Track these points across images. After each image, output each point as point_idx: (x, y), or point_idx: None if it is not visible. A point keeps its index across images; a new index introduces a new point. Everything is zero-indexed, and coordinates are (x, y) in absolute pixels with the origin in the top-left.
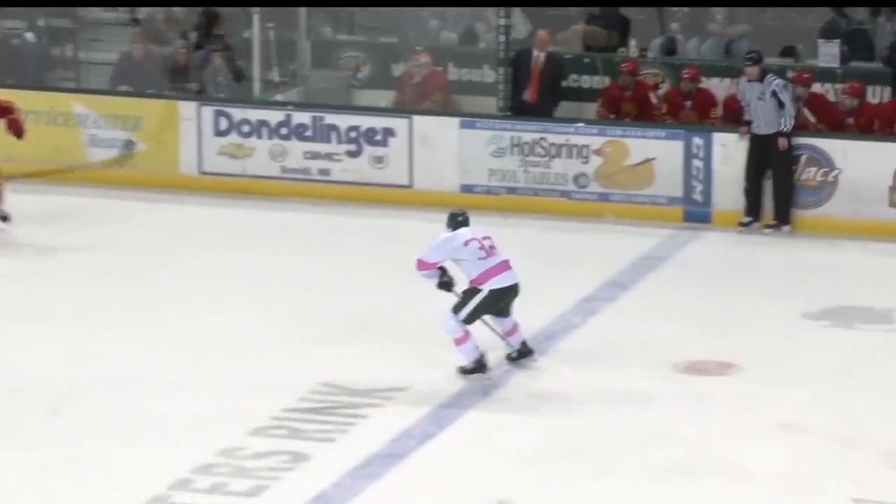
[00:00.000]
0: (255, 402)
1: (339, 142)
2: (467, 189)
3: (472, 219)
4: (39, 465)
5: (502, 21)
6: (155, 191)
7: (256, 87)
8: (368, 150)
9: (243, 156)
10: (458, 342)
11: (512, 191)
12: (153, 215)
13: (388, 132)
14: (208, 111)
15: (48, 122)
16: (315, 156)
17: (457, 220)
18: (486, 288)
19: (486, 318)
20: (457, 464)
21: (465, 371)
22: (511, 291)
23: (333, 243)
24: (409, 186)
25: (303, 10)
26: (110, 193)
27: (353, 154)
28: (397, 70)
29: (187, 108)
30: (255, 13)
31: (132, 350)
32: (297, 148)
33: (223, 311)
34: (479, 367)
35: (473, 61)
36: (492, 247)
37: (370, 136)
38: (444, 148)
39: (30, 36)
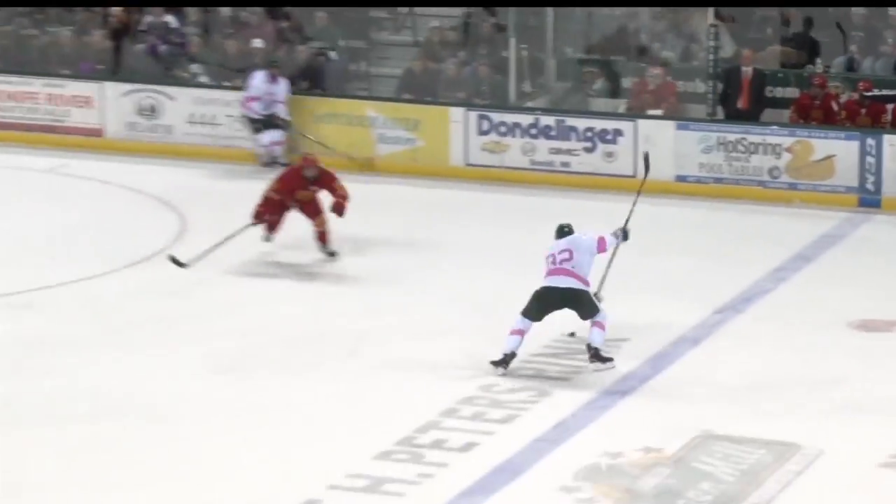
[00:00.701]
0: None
1: (578, 140)
2: (681, 179)
3: (684, 202)
4: (338, 396)
5: (712, 43)
6: (431, 179)
7: (512, 96)
8: (601, 147)
9: (500, 151)
10: (510, 332)
11: (718, 181)
12: (428, 199)
13: (618, 132)
14: (473, 115)
15: (346, 123)
16: (558, 151)
17: (562, 231)
18: (540, 285)
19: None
20: (668, 400)
21: (492, 361)
22: (556, 293)
23: (572, 221)
24: (633, 176)
25: (549, 33)
26: (392, 181)
27: (589, 150)
28: (625, 82)
29: (456, 113)
30: (512, 37)
31: (412, 304)
32: (543, 145)
33: (483, 276)
34: (502, 361)
35: (688, 75)
36: (563, 260)
37: (603, 135)
38: (662, 145)
39: (333, 54)
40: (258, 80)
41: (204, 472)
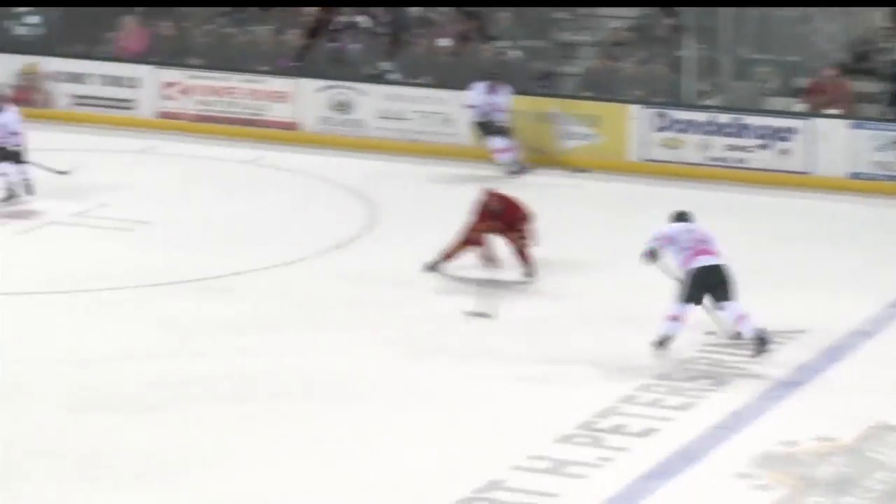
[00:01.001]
0: (684, 339)
1: (753, 137)
2: (855, 176)
3: (859, 199)
4: (519, 381)
5: (887, 45)
6: (610, 173)
7: (689, 94)
8: (776, 144)
9: (677, 147)
10: (667, 317)
11: (891, 178)
12: (607, 192)
13: (792, 130)
14: (651, 112)
15: (529, 119)
16: (733, 148)
17: (683, 216)
18: (691, 268)
19: (708, 306)
20: (843, 391)
21: (652, 343)
22: (713, 270)
23: (746, 216)
24: (807, 173)
25: (725, 33)
26: (573, 174)
27: (764, 147)
28: (798, 82)
29: (635, 110)
30: (690, 37)
31: (591, 294)
32: (719, 142)
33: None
34: (660, 342)
35: (862, 76)
36: (699, 240)
37: (778, 133)
38: (837, 143)
39: (516, 53)
40: (477, 91)
41: (388, 450)
